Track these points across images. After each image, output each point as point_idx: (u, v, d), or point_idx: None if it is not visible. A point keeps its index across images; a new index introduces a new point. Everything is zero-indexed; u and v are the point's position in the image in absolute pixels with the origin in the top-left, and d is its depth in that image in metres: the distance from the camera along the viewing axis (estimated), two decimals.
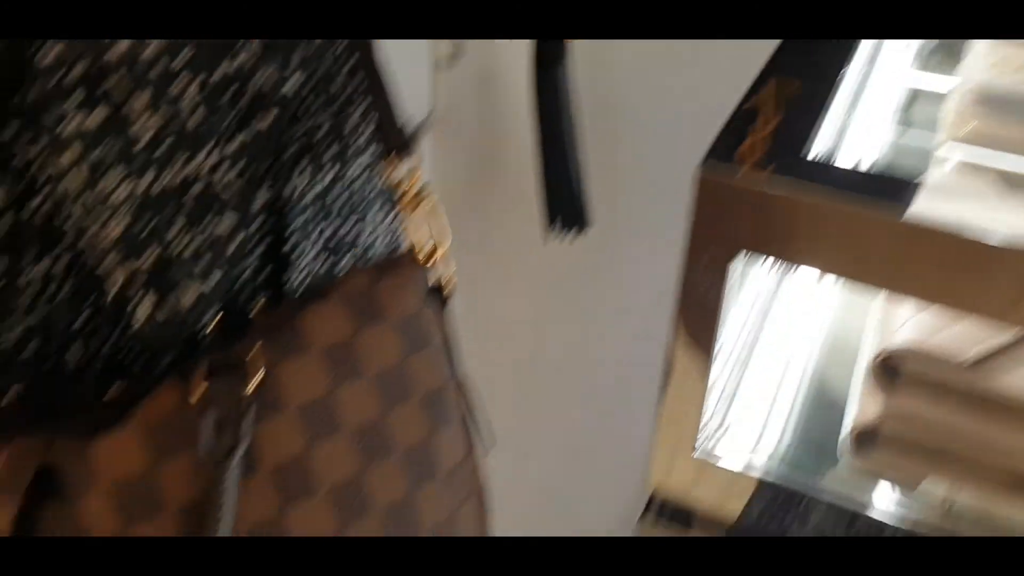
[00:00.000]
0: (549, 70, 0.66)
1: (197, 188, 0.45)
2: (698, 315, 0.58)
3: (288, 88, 0.49)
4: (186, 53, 0.44)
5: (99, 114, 0.42)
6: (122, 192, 0.43)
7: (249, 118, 0.47)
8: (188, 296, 0.46)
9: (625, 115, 1.03)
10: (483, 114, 1.09)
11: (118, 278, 0.44)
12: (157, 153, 0.43)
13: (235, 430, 0.43)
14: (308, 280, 0.52)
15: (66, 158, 0.41)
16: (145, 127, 0.43)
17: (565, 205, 0.69)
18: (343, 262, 0.55)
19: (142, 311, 0.45)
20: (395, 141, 0.52)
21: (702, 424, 0.64)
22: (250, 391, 0.44)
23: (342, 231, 0.54)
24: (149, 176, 0.43)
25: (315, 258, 0.53)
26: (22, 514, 0.41)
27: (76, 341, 0.46)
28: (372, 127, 0.54)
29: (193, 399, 0.43)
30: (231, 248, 0.47)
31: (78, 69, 0.41)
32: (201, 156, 0.45)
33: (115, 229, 0.43)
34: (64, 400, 0.45)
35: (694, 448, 0.66)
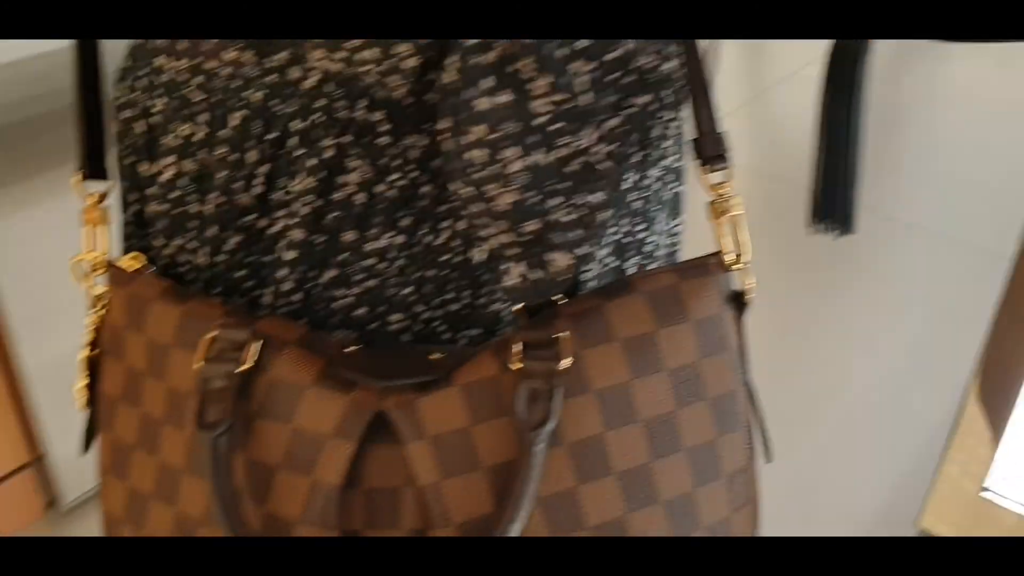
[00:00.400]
0: (847, 66, 0.65)
1: (577, 163, 0.47)
2: (1004, 361, 0.55)
3: (659, 72, 0.51)
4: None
5: (506, 96, 0.45)
6: (516, 166, 0.45)
7: (627, 99, 0.49)
8: (555, 266, 0.48)
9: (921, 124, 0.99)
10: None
11: (489, 248, 0.48)
12: (550, 130, 0.46)
13: (546, 403, 0.46)
14: (596, 275, 0.54)
15: (471, 136, 0.45)
16: (543, 107, 0.46)
17: (837, 203, 0.67)
18: (629, 263, 0.56)
19: (509, 279, 0.48)
20: (711, 148, 0.52)
21: (989, 467, 0.61)
22: (561, 369, 0.47)
23: (633, 231, 0.56)
24: (541, 151, 0.46)
25: (606, 254, 0.55)
26: (357, 454, 0.46)
27: (402, 306, 0.50)
28: (680, 131, 0.55)
29: (511, 370, 0.47)
30: (598, 224, 0.48)
31: (491, 55, 0.44)
32: (584, 133, 0.47)
33: (504, 201, 0.46)
34: (396, 357, 0.49)
35: (978, 490, 0.62)
